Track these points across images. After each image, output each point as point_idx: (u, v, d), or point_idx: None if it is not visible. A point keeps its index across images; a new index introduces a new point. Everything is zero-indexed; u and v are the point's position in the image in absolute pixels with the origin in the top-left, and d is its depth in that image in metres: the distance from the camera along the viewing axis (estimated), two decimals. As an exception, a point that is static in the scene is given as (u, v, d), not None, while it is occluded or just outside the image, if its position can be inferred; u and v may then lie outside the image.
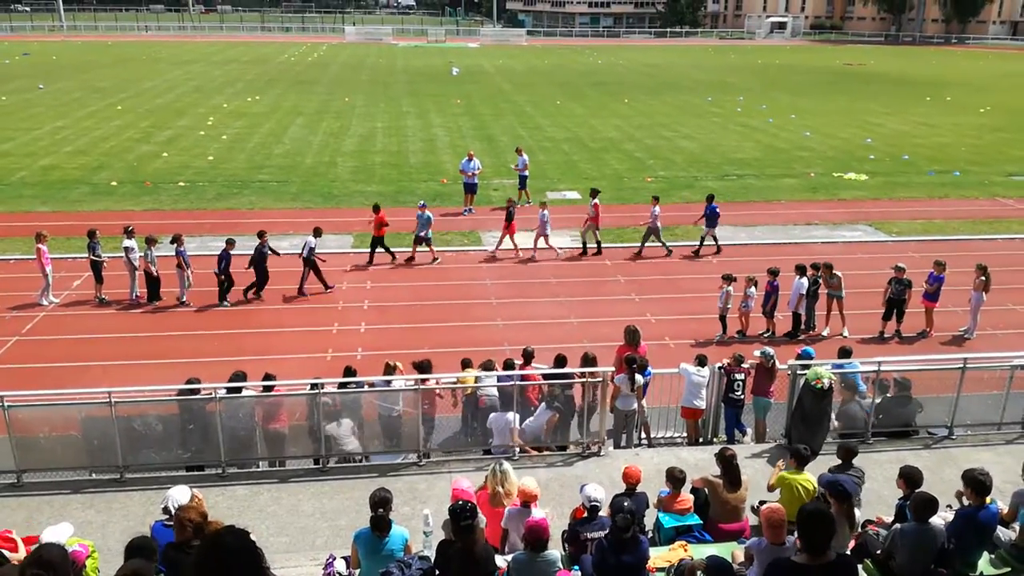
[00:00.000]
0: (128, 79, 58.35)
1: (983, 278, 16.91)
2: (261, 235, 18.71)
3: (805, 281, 16.74)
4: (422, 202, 21.62)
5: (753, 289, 16.76)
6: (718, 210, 22.11)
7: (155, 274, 18.29)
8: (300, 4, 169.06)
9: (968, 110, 50.94)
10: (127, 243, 18.30)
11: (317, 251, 18.89)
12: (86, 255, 18.50)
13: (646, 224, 22.30)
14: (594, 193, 22.42)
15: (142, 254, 18.18)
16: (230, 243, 18.49)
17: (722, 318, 17.05)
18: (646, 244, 22.33)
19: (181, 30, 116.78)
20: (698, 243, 22.50)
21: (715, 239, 22.43)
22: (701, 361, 12.55)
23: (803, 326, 17.30)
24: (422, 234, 20.91)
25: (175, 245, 18.08)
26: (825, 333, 17.22)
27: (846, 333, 17.04)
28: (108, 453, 10.63)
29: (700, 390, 12.41)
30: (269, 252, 18.73)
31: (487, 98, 53.22)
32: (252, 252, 18.64)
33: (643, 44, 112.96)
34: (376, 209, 21.01)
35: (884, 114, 48.74)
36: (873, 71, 76.26)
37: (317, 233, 19.13)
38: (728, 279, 16.86)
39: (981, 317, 17.30)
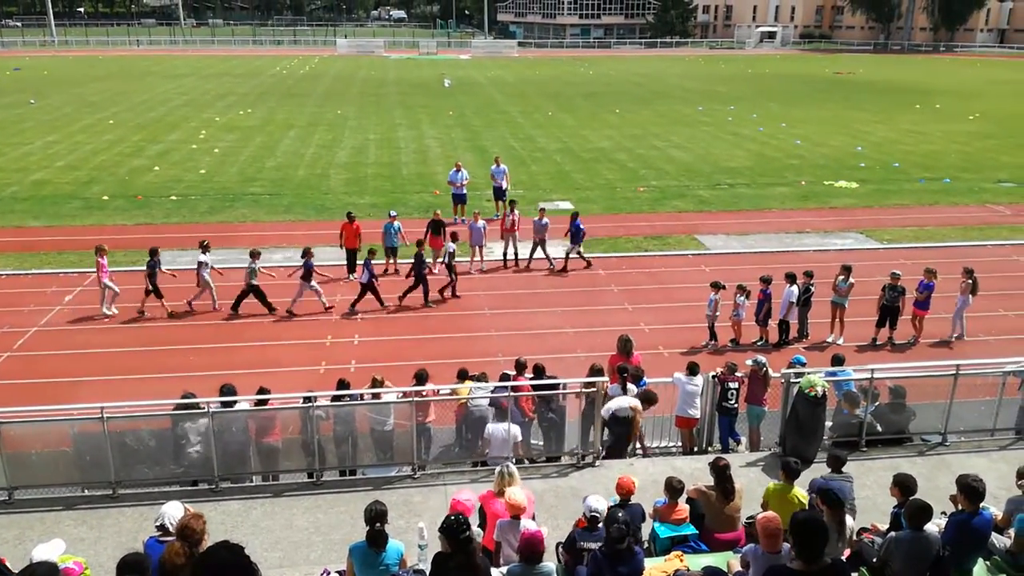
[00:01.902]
0: (119, 93, 58.35)
1: (969, 281, 17.01)
2: (419, 244, 19.31)
3: (795, 289, 16.76)
4: (392, 212, 21.49)
5: (743, 298, 16.77)
6: (582, 227, 21.40)
7: (254, 284, 18.46)
8: (291, 17, 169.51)
9: (957, 117, 51.27)
10: (202, 257, 18.54)
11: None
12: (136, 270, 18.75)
13: (539, 237, 21.67)
14: (512, 204, 22.33)
15: (246, 267, 18.46)
16: (371, 252, 18.95)
17: (711, 327, 17.07)
18: (543, 254, 21.90)
19: (172, 44, 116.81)
20: (563, 258, 21.85)
21: (580, 254, 21.70)
22: (692, 370, 12.56)
23: (795, 334, 17.34)
24: (391, 246, 20.82)
25: (305, 258, 18.41)
26: (830, 339, 17.28)
27: (841, 341, 17.10)
28: (101, 469, 10.55)
29: (694, 399, 12.42)
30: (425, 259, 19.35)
31: (479, 109, 53.37)
32: (412, 260, 19.05)
33: (634, 55, 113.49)
34: (350, 218, 20.90)
35: (874, 122, 49.02)
36: (862, 79, 76.74)
37: (454, 238, 19.62)
38: (716, 287, 16.88)
39: (967, 322, 17.43)
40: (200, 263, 18.50)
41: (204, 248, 18.78)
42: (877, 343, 17.21)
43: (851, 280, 17.05)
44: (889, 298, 16.82)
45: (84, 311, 18.70)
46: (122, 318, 18.37)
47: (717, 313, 16.88)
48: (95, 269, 18.33)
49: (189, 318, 18.54)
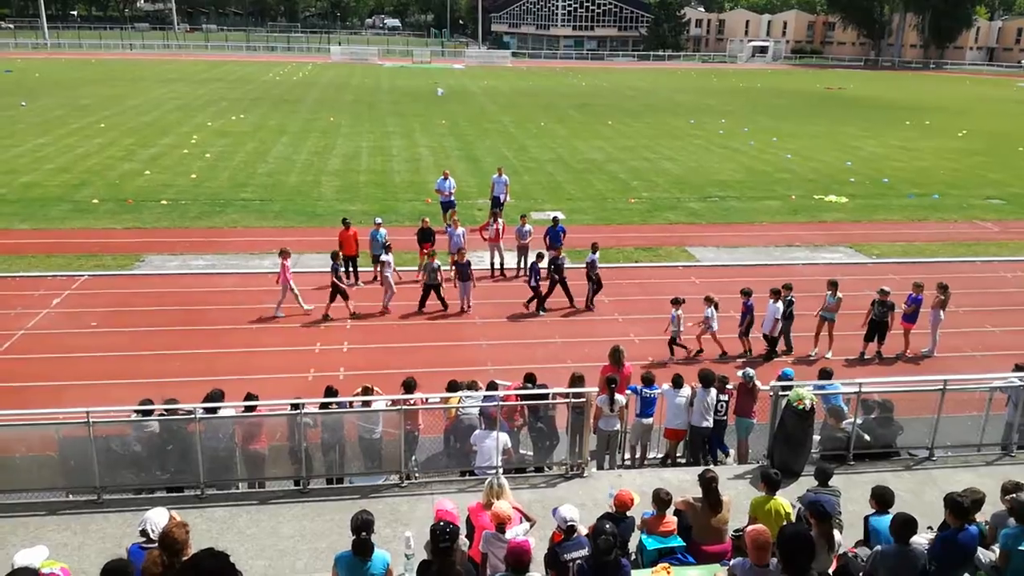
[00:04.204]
0: (112, 97, 58.16)
1: (941, 297, 17.18)
2: (595, 247, 19.66)
3: (780, 305, 16.82)
4: (377, 219, 21.44)
5: (712, 310, 16.82)
6: (559, 232, 21.38)
7: (440, 282, 19.27)
8: (286, 23, 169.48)
9: (946, 134, 51.69)
10: (385, 257, 19.15)
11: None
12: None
13: (521, 244, 21.73)
14: (495, 213, 22.59)
15: (429, 268, 19.00)
16: (540, 256, 19.77)
17: (672, 342, 16.99)
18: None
19: (166, 48, 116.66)
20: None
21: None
22: (677, 382, 12.56)
23: (783, 347, 17.37)
24: (378, 254, 20.72)
25: (458, 258, 19.30)
26: (814, 353, 17.33)
27: (829, 355, 17.16)
28: (85, 474, 10.46)
29: (681, 411, 12.42)
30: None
31: (472, 119, 53.47)
32: (584, 265, 19.71)
33: (626, 67, 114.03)
34: (346, 225, 20.81)
35: (864, 137, 49.36)
36: (853, 95, 77.30)
37: (594, 248, 19.67)
38: (676, 303, 16.92)
39: (941, 337, 17.56)
40: (383, 263, 18.97)
41: (387, 249, 19.19)
42: (865, 357, 17.28)
43: (839, 295, 17.14)
44: (878, 313, 16.91)
45: (72, 315, 18.58)
46: (113, 323, 18.27)
47: (681, 328, 16.86)
48: (279, 271, 18.49)
49: (371, 319, 18.88)
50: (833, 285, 17.26)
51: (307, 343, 17.57)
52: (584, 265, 19.73)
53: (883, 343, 17.23)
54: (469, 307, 19.44)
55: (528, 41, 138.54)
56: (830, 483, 9.39)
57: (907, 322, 17.32)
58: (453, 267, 20.52)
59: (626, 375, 13.01)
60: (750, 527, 7.34)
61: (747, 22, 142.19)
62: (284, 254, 18.51)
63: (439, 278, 19.25)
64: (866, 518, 8.60)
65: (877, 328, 17.05)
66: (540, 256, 19.93)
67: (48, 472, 10.70)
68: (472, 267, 19.53)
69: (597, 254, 19.66)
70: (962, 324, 18.77)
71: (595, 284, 19.67)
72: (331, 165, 36.68)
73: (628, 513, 8.58)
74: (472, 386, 12.35)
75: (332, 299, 18.64)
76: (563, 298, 19.73)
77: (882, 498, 8.46)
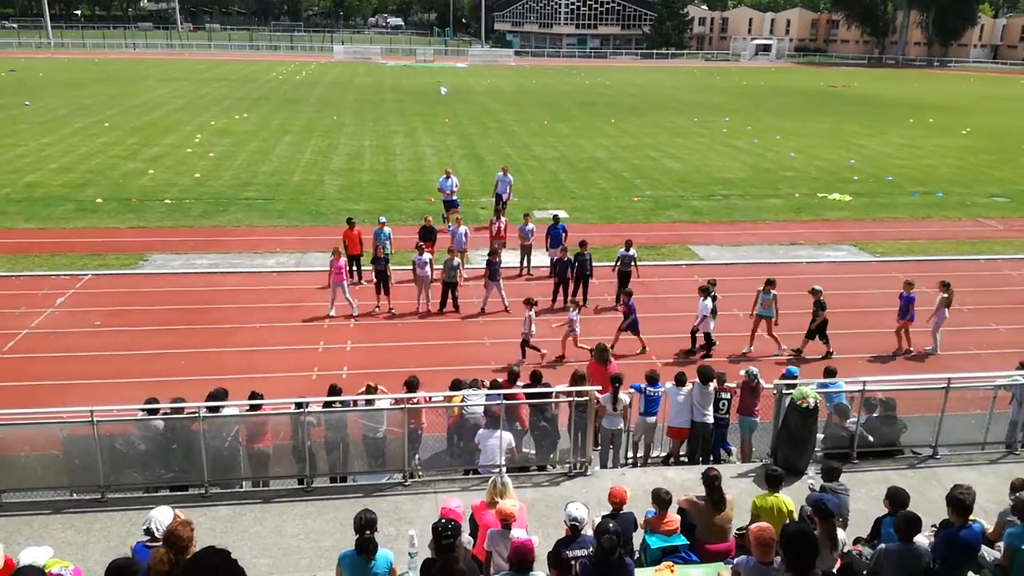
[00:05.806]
0: (115, 96, 58.25)
1: (944, 295, 17.16)
2: (628, 244, 19.74)
3: (709, 303, 16.84)
4: (381, 218, 21.29)
5: (575, 313, 16.87)
6: (560, 230, 21.34)
7: (457, 281, 19.46)
8: (289, 23, 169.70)
9: (950, 132, 51.57)
10: (422, 258, 19.01)
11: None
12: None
13: (525, 243, 21.79)
14: (498, 212, 22.88)
15: (448, 265, 19.04)
16: (629, 243, 19.75)
17: (525, 343, 16.72)
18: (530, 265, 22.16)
19: (169, 47, 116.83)
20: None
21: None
22: (680, 380, 12.56)
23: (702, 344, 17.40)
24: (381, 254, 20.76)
25: (490, 257, 19.12)
26: (744, 350, 17.35)
27: (748, 349, 17.31)
28: (90, 473, 10.49)
29: (684, 409, 12.41)
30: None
31: (475, 117, 53.45)
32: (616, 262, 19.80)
33: (630, 65, 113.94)
34: (350, 224, 20.78)
35: (868, 135, 49.26)
36: (857, 93, 77.16)
37: (628, 246, 19.68)
38: (529, 304, 16.77)
39: (941, 336, 17.50)
40: (415, 262, 19.05)
41: (419, 249, 19.24)
42: (801, 353, 17.19)
43: (773, 292, 17.13)
44: (816, 314, 16.95)
45: (76, 314, 18.61)
46: (116, 322, 18.30)
47: (533, 330, 16.65)
48: (329, 269, 18.79)
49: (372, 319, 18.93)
50: (769, 284, 17.28)
51: (311, 342, 17.58)
52: (615, 262, 19.74)
53: (816, 338, 17.17)
54: (507, 307, 19.29)
55: (531, 40, 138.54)
56: (839, 479, 9.36)
57: (902, 320, 17.30)
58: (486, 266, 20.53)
59: (612, 372, 12.99)
60: (754, 525, 7.34)
61: (751, 20, 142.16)
62: (337, 253, 18.66)
63: (457, 276, 19.23)
64: (878, 519, 8.51)
65: (821, 327, 17.12)
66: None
67: (52, 471, 10.72)
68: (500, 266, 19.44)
69: (632, 250, 19.65)
70: (966, 322, 18.74)
71: (623, 281, 19.57)
72: (334, 164, 36.70)
73: (627, 509, 8.58)
74: (475, 384, 12.35)
75: (387, 292, 19.00)
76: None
77: (896, 498, 8.33)
